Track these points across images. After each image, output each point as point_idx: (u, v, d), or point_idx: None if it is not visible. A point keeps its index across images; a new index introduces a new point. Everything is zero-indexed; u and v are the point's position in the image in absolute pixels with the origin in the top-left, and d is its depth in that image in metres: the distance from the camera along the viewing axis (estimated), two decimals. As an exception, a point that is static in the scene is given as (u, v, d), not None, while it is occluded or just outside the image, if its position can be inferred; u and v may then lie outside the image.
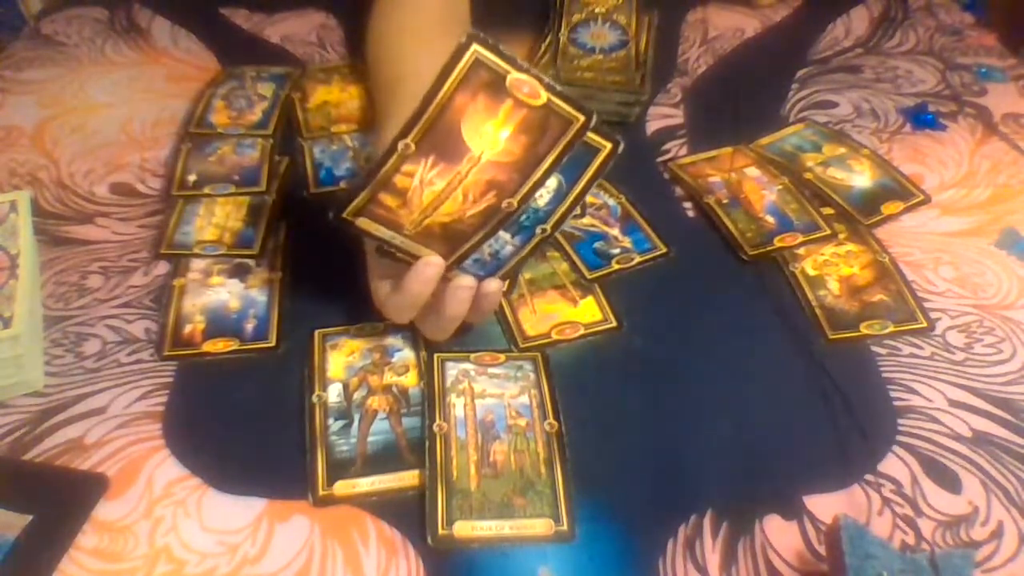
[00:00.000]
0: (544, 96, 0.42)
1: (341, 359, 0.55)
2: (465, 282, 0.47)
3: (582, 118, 0.42)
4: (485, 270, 0.48)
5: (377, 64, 0.67)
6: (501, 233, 0.46)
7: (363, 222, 0.46)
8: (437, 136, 0.43)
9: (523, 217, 0.46)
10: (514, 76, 0.41)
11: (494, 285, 0.48)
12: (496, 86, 0.42)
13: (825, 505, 0.48)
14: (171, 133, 0.76)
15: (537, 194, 0.45)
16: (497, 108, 0.42)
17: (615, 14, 0.82)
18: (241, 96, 0.79)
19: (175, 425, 0.52)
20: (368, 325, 0.57)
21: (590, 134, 0.43)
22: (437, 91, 0.42)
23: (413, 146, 0.43)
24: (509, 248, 0.47)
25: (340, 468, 0.49)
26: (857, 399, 0.53)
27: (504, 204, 0.44)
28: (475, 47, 0.41)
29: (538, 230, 0.46)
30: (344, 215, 0.46)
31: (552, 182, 0.45)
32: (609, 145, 0.44)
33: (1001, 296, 0.61)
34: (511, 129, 0.43)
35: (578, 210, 0.60)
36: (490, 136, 0.43)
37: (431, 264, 0.47)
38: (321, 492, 0.48)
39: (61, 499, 0.47)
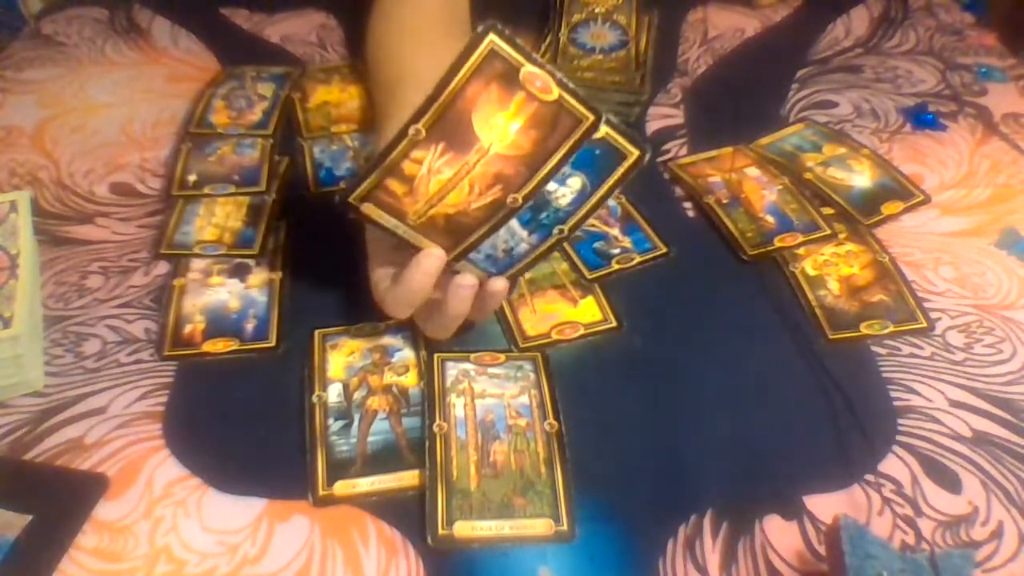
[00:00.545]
0: (556, 92, 0.42)
1: (341, 359, 0.55)
2: (467, 280, 0.47)
3: (591, 117, 0.42)
4: (497, 267, 0.48)
5: (377, 64, 0.67)
6: (518, 230, 0.46)
7: (368, 208, 0.46)
8: (448, 124, 0.43)
9: (543, 216, 0.46)
10: (528, 69, 0.41)
11: (499, 284, 0.48)
12: (510, 78, 0.42)
13: (825, 505, 0.48)
14: (171, 133, 0.76)
15: (560, 193, 0.45)
16: (509, 100, 0.42)
17: (615, 14, 0.82)
18: (241, 96, 0.79)
19: (175, 425, 0.52)
20: (368, 325, 0.57)
21: (619, 138, 0.43)
22: (451, 78, 0.41)
23: (424, 132, 0.43)
24: (524, 246, 0.47)
25: (340, 468, 0.49)
26: (857, 399, 0.53)
27: (509, 199, 0.44)
28: (491, 37, 0.41)
29: (555, 230, 0.46)
30: (350, 199, 0.46)
31: (576, 182, 0.45)
32: (636, 153, 0.44)
33: (1001, 296, 0.61)
34: (521, 122, 0.43)
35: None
36: (500, 128, 0.43)
37: (432, 255, 0.46)
38: (321, 492, 0.48)
39: (61, 499, 0.47)
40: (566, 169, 0.44)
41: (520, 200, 0.44)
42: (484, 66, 0.41)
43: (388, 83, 0.61)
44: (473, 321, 0.53)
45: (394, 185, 0.45)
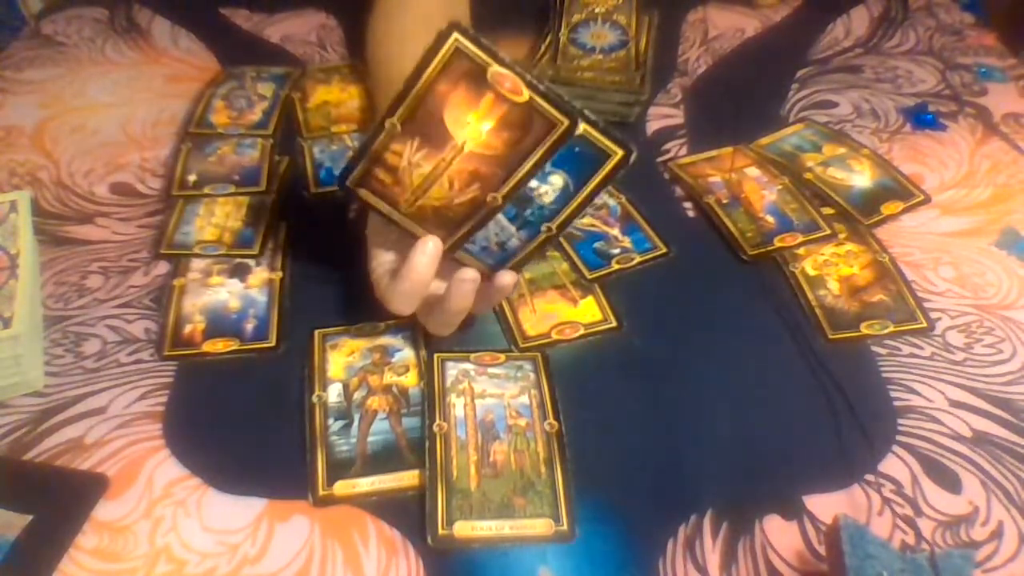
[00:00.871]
0: (526, 94, 0.42)
1: (341, 359, 0.55)
2: (469, 275, 0.47)
3: (565, 122, 0.42)
4: (493, 259, 0.48)
5: (377, 64, 0.67)
6: (506, 225, 0.46)
7: (365, 193, 0.47)
8: (420, 120, 0.43)
9: (528, 212, 0.46)
10: (496, 69, 0.41)
11: (508, 279, 0.48)
12: (477, 77, 0.42)
13: (825, 505, 0.48)
14: (171, 133, 0.76)
15: (543, 190, 0.45)
16: (478, 100, 0.42)
17: (615, 14, 0.82)
18: (241, 96, 0.79)
19: (175, 425, 0.52)
20: (368, 325, 0.57)
21: (602, 139, 0.43)
22: (419, 75, 0.42)
23: (398, 126, 0.44)
24: (515, 241, 0.47)
25: (340, 468, 0.49)
26: (857, 399, 0.53)
27: (489, 198, 0.45)
28: (456, 36, 0.41)
29: (543, 228, 0.46)
30: (347, 183, 0.46)
31: (558, 180, 0.45)
32: (620, 153, 0.44)
33: (1001, 296, 0.61)
34: (493, 123, 0.43)
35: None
36: (472, 127, 0.43)
37: (431, 239, 0.47)
38: (321, 492, 0.48)
39: (61, 499, 0.47)
40: (547, 166, 0.44)
41: (500, 199, 0.45)
42: (451, 64, 0.42)
43: (389, 83, 0.61)
44: (475, 316, 0.53)
45: (382, 174, 0.45)
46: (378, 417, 0.51)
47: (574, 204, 0.45)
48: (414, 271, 0.47)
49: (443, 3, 0.69)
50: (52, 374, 0.55)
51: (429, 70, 0.42)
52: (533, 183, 0.44)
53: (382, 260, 0.51)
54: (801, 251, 0.64)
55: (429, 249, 0.46)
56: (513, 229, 0.46)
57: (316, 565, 0.45)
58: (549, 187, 0.45)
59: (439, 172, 0.44)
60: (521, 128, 0.43)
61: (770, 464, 0.50)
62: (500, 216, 0.46)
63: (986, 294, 0.61)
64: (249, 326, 0.57)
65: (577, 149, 0.43)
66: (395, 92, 0.43)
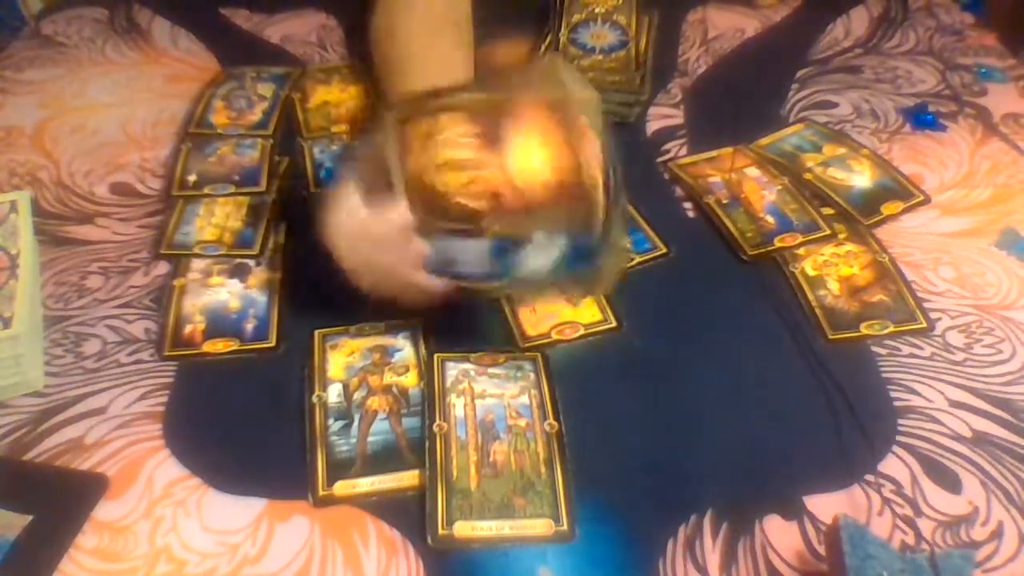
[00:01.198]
0: (598, 180, 0.41)
1: (341, 359, 0.55)
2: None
3: (595, 232, 0.42)
4: (438, 270, 0.48)
5: (383, 63, 0.67)
6: (472, 249, 0.46)
7: (400, 130, 0.45)
8: (493, 118, 0.42)
9: (502, 258, 0.45)
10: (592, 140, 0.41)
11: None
12: (574, 130, 0.41)
13: (825, 505, 0.48)
14: (171, 133, 0.76)
15: (529, 256, 0.44)
16: (556, 156, 0.42)
17: (615, 14, 0.82)
18: (241, 96, 0.79)
19: (175, 425, 0.52)
20: (368, 325, 0.57)
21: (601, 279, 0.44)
22: (517, 86, 0.42)
23: (471, 104, 0.43)
24: (470, 268, 0.47)
25: (340, 468, 0.49)
26: (857, 399, 0.53)
27: (484, 222, 0.44)
28: (587, 94, 0.41)
29: (499, 281, 0.46)
30: (396, 112, 0.45)
31: (546, 259, 0.45)
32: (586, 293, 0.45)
33: (1001, 296, 0.61)
34: (550, 177, 0.42)
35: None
36: (531, 165, 0.42)
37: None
38: (321, 492, 0.48)
39: (61, 499, 0.47)
40: (549, 242, 0.44)
41: (493, 230, 0.44)
42: (558, 108, 0.41)
43: (399, 62, 0.60)
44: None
45: (422, 127, 0.44)
46: (378, 417, 0.51)
47: (536, 283, 0.45)
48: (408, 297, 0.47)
49: (444, 2, 0.69)
50: (52, 374, 0.55)
51: (531, 93, 0.41)
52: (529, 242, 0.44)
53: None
54: (801, 251, 0.64)
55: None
56: (473, 258, 0.46)
57: (316, 565, 0.45)
58: (537, 256, 0.45)
59: (468, 167, 0.44)
60: (569, 201, 0.42)
61: (770, 464, 0.50)
62: (479, 240, 0.45)
63: (986, 294, 0.61)
64: (249, 326, 0.57)
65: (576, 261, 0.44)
66: (484, 79, 0.43)
